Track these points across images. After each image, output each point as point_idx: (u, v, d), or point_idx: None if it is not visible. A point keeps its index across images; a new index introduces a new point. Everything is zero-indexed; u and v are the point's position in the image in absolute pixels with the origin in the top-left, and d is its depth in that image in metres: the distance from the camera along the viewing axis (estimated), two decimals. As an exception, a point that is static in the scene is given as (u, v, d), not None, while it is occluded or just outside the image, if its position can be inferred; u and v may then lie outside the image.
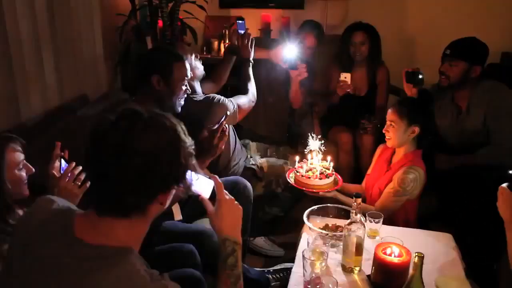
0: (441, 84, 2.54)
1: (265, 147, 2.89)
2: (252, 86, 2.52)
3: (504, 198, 1.80)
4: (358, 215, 1.73)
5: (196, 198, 1.38)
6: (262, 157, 2.78)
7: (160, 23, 3.48)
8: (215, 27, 4.11)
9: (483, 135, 2.51)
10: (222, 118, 1.96)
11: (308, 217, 2.02)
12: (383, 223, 2.00)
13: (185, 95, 2.11)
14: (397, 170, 2.22)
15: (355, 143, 3.15)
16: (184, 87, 2.08)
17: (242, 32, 2.64)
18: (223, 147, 1.98)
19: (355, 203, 1.72)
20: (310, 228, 1.95)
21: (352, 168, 3.14)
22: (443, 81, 2.52)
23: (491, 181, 2.03)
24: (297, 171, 2.26)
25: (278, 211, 2.71)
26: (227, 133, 1.96)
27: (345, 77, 2.95)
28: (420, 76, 2.58)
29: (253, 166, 2.63)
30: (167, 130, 1.06)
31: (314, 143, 2.30)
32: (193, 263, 1.89)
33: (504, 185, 1.82)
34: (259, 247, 2.71)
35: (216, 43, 4.09)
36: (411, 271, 1.41)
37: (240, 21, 2.65)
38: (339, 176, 2.33)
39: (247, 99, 2.46)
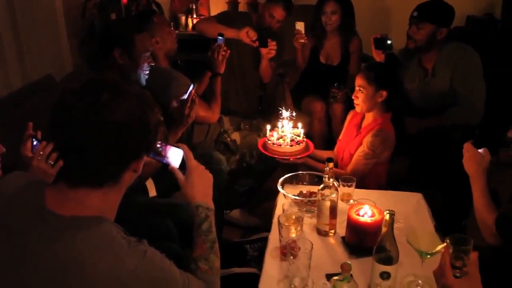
0: (408, 47, 2.57)
1: (238, 121, 2.89)
2: (215, 105, 2.52)
3: (469, 154, 1.85)
4: (331, 180, 1.75)
5: (170, 172, 1.38)
6: (235, 131, 2.77)
7: (124, -3, 3.39)
8: (181, 2, 4.03)
9: (450, 96, 2.56)
10: (190, 88, 1.94)
11: (282, 185, 2.04)
12: (356, 186, 2.04)
13: (150, 67, 2.07)
14: (366, 134, 2.25)
15: (328, 112, 3.17)
16: (148, 59, 2.04)
17: (221, 38, 2.63)
18: (194, 116, 1.97)
19: (327, 168, 1.74)
20: (284, 195, 1.98)
21: (326, 136, 3.17)
22: (410, 43, 2.55)
23: (459, 140, 2.09)
24: (268, 140, 2.27)
25: (252, 183, 2.72)
26: (196, 102, 1.96)
27: (299, 26, 2.94)
28: (389, 42, 2.60)
29: (226, 140, 2.62)
30: (135, 98, 1.06)
31: (285, 112, 2.30)
32: (170, 237, 1.90)
33: (469, 142, 1.87)
34: (235, 219, 2.73)
35: (183, 18, 4.02)
36: (383, 229, 1.45)
37: (220, 37, 2.61)
38: (310, 143, 2.35)
39: (206, 112, 2.45)
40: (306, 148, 2.30)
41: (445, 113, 2.53)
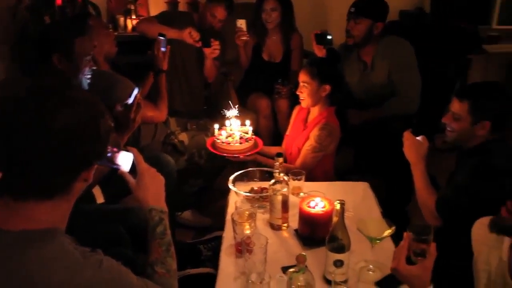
0: (347, 43, 2.66)
1: (185, 122, 2.86)
2: (162, 103, 2.47)
3: (408, 142, 1.95)
4: (282, 175, 1.79)
5: (117, 177, 1.35)
6: (182, 131, 2.75)
7: (58, -1, 3.25)
8: (119, 2, 3.92)
9: (389, 88, 2.67)
10: (135, 91, 1.91)
11: (233, 183, 2.05)
12: (305, 179, 2.08)
13: (91, 71, 2.01)
14: (313, 128, 2.31)
15: (274, 108, 3.21)
16: (89, 63, 1.97)
17: (164, 50, 2.57)
18: (140, 120, 1.94)
19: (277, 163, 1.77)
20: (236, 193, 1.99)
21: (272, 132, 3.21)
22: (349, 40, 2.64)
23: (399, 129, 2.19)
24: (217, 139, 2.28)
25: (202, 183, 2.71)
26: (142, 105, 1.92)
27: (241, 23, 2.97)
28: (329, 37, 2.68)
29: (173, 141, 2.59)
30: (84, 104, 1.02)
31: (232, 110, 2.31)
32: (122, 243, 1.86)
33: (408, 131, 1.97)
34: (187, 221, 2.71)
35: (122, 19, 3.92)
36: (334, 219, 1.49)
37: (162, 38, 2.55)
38: (258, 140, 2.37)
39: (153, 112, 2.41)
40: (255, 145, 2.32)
41: (385, 104, 2.64)
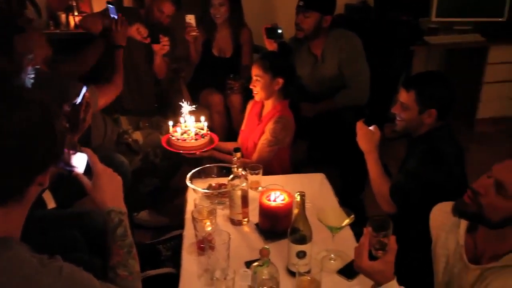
0: (297, 36, 2.69)
1: (137, 120, 2.79)
2: (118, 78, 2.40)
3: (361, 132, 2.00)
4: (240, 170, 1.79)
5: (67, 180, 1.30)
6: (135, 130, 2.68)
7: (-8, -4, 3.07)
8: (60, -1, 3.76)
9: (339, 80, 2.74)
10: (83, 90, 1.84)
11: (191, 180, 2.02)
12: (263, 173, 2.09)
13: (34, 71, 1.91)
14: (268, 122, 2.32)
15: (227, 104, 3.20)
16: (31, 61, 1.88)
17: (115, 17, 2.48)
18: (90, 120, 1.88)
19: (235, 158, 1.77)
20: (194, 190, 1.97)
21: (227, 128, 3.20)
22: (299, 33, 2.67)
23: (351, 120, 2.24)
24: (172, 136, 2.24)
25: (158, 182, 2.67)
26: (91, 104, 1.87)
27: (190, 19, 2.93)
28: (279, 31, 2.70)
29: (127, 140, 2.53)
30: (38, 105, 0.97)
31: (186, 106, 2.28)
32: (78, 248, 1.79)
33: (361, 121, 2.02)
34: (144, 221, 2.66)
35: (63, 16, 3.76)
36: (295, 211, 1.51)
37: (110, 6, 2.47)
38: (214, 135, 2.36)
39: (112, 91, 2.33)
40: (211, 141, 2.30)
41: (336, 96, 2.70)
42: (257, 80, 2.29)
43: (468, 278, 1.35)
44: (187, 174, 2.06)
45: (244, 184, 1.79)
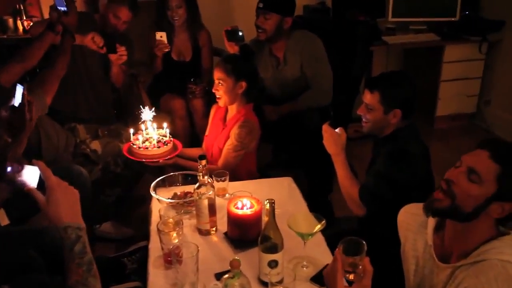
0: (259, 38, 2.65)
1: (95, 128, 2.66)
2: (62, 61, 2.26)
3: (327, 135, 1.98)
4: (206, 177, 1.73)
5: (22, 195, 1.21)
6: (94, 139, 2.56)
7: None
8: (4, 2, 3.57)
9: (302, 82, 2.72)
10: (20, 89, 1.74)
11: (155, 190, 1.95)
12: (229, 180, 2.04)
13: None
14: (232, 127, 2.27)
15: (189, 108, 3.13)
16: None
17: (64, 9, 2.34)
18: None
19: (201, 165, 1.71)
20: (159, 200, 1.89)
21: (190, 133, 3.13)
22: (261, 35, 2.64)
23: (316, 122, 2.23)
24: (133, 144, 2.15)
25: (120, 191, 2.56)
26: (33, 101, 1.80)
27: (161, 36, 2.86)
28: (240, 34, 2.65)
29: (85, 151, 2.41)
30: None
31: (147, 113, 2.20)
32: (35, 268, 1.68)
33: (326, 123, 2.01)
34: (107, 233, 2.55)
35: (11, 20, 3.57)
36: (265, 218, 1.47)
37: None
38: (178, 142, 2.28)
39: (55, 77, 2.20)
40: (174, 148, 2.23)
41: (299, 98, 2.68)
42: (219, 84, 2.23)
43: (439, 277, 1.35)
44: (151, 182, 1.98)
45: (210, 192, 1.73)
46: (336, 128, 2.00)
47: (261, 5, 2.59)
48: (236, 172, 2.30)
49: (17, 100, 1.78)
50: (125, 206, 2.73)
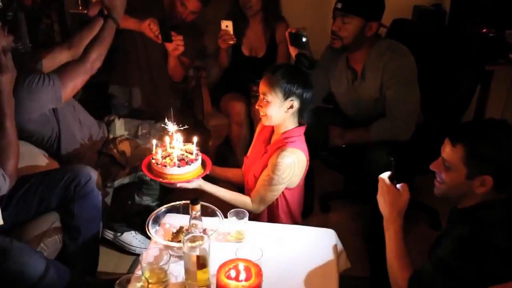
0: (333, 46, 2.14)
1: (136, 125, 2.40)
2: (95, 51, 1.94)
3: (383, 190, 1.47)
4: (200, 225, 1.34)
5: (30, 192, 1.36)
6: (129, 138, 2.29)
7: None
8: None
9: (381, 105, 2.16)
10: None
11: (156, 218, 1.62)
12: (266, 216, 1.75)
13: None
14: (273, 153, 1.83)
15: (250, 114, 2.75)
16: None
17: None
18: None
19: (194, 212, 1.32)
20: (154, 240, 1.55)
21: (247, 143, 2.74)
22: (335, 42, 2.11)
23: (384, 161, 1.72)
24: (153, 158, 1.83)
25: (150, 201, 2.27)
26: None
27: (227, 25, 2.49)
28: (304, 39, 2.15)
29: (111, 152, 2.15)
30: None
31: (171, 125, 1.85)
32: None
33: (385, 175, 1.49)
34: (127, 244, 2.28)
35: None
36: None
37: None
38: (208, 161, 1.90)
39: (81, 69, 1.90)
40: (200, 169, 1.85)
41: (371, 126, 2.13)
42: (264, 99, 1.81)
43: None
44: (187, 193, 1.72)
45: (205, 245, 1.34)
46: (398, 182, 1.48)
47: (339, 5, 2.06)
48: (272, 210, 1.88)
49: None
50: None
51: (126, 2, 2.27)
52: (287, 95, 1.77)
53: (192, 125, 2.91)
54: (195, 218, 1.34)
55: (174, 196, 2.25)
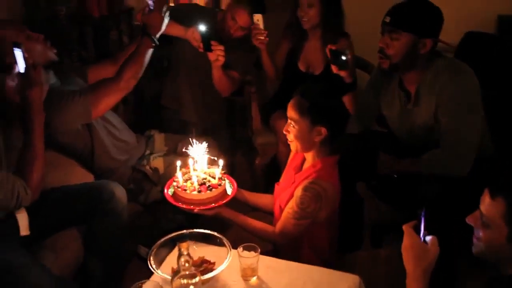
0: (381, 66, 1.90)
1: (177, 141, 2.35)
2: (129, 69, 1.92)
3: (409, 242, 1.25)
4: (188, 264, 1.23)
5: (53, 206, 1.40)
6: (165, 154, 2.25)
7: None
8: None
9: (437, 132, 1.89)
10: (20, 52, 1.62)
11: (154, 249, 1.54)
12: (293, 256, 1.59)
13: None
14: (299, 184, 1.66)
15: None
16: None
17: (151, 3, 2.04)
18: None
19: (182, 249, 1.22)
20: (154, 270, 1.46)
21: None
22: (383, 62, 1.87)
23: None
24: (174, 181, 1.75)
25: (183, 220, 2.20)
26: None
27: (257, 19, 2.33)
28: (343, 57, 1.93)
29: (143, 168, 2.12)
30: None
31: (196, 146, 1.76)
32: None
33: (410, 224, 1.27)
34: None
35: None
36: None
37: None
38: (233, 185, 1.78)
39: (114, 87, 1.89)
40: (223, 195, 1.73)
41: (423, 157, 1.86)
42: (291, 124, 1.65)
43: None
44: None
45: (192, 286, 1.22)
46: (428, 236, 1.24)
47: (387, 19, 1.82)
48: (298, 245, 1.71)
49: (20, 66, 1.63)
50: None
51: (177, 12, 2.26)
52: (315, 121, 1.59)
53: (237, 142, 2.86)
54: (184, 256, 1.23)
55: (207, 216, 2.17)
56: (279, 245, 1.74)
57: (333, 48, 1.95)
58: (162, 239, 1.60)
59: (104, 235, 1.79)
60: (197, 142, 1.74)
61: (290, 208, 1.66)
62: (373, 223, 2.43)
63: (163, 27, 2.01)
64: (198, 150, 1.75)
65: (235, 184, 1.79)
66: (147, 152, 2.25)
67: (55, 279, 1.55)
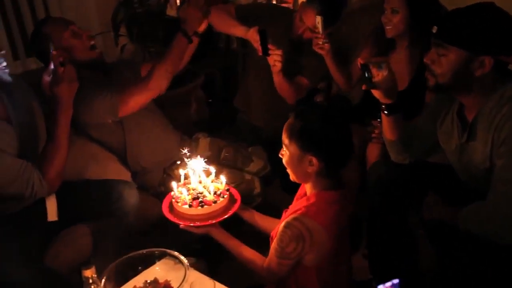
0: (428, 84, 1.51)
1: (221, 146, 2.25)
2: (160, 68, 1.86)
3: None
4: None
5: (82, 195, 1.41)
6: (208, 159, 2.17)
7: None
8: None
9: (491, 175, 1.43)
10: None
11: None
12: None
13: None
14: (289, 216, 1.42)
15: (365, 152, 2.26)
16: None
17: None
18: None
19: (86, 277, 1.13)
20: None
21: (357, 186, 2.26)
22: (429, 79, 1.48)
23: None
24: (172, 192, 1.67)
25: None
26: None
27: (318, 21, 2.10)
28: (366, 74, 1.56)
29: (172, 173, 2.07)
30: None
31: (197, 161, 1.64)
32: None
33: None
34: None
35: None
36: None
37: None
38: (236, 203, 1.61)
39: (143, 86, 1.87)
40: (223, 212, 1.59)
41: (464, 210, 1.42)
42: (283, 148, 1.42)
43: None
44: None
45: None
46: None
47: (434, 29, 1.40)
48: (284, 283, 1.48)
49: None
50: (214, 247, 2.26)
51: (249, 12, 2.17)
52: (304, 149, 1.34)
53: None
54: (88, 285, 1.13)
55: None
56: (267, 282, 1.53)
57: (362, 62, 1.60)
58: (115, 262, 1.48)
59: (108, 234, 1.80)
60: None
61: (275, 243, 1.43)
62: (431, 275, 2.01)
63: (202, 25, 1.93)
64: (197, 162, 1.64)
65: (238, 204, 1.63)
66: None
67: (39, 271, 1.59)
